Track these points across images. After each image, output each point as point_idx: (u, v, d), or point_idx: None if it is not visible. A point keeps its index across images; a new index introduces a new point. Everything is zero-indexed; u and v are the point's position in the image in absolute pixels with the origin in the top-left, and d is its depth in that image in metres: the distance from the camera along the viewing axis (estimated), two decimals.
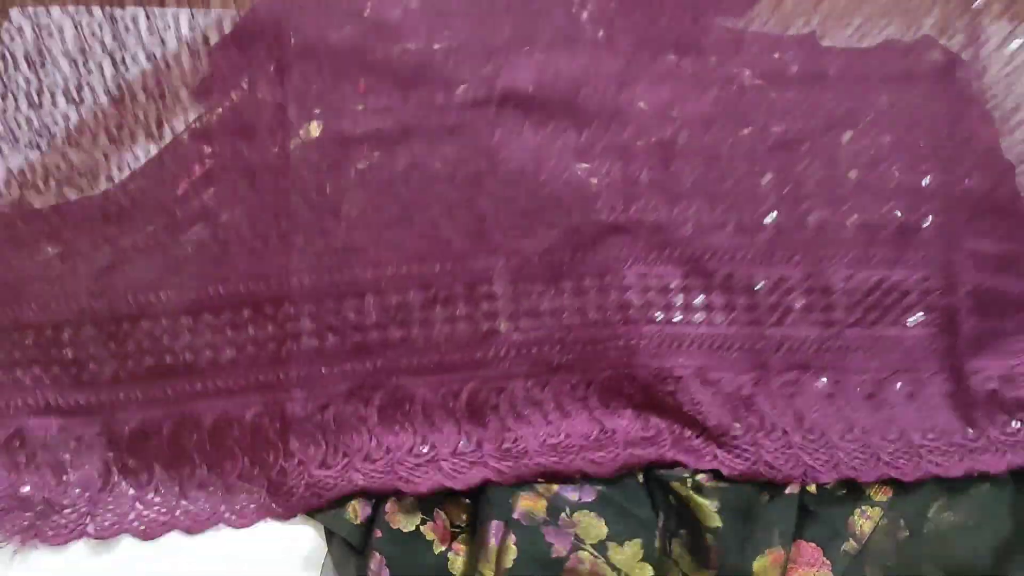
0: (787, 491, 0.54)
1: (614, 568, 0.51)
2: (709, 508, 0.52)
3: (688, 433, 0.55)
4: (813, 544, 0.53)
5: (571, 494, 0.53)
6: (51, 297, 0.58)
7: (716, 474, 0.54)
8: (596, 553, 0.51)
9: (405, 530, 0.52)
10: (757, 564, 0.52)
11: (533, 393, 0.56)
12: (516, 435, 0.55)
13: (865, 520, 0.53)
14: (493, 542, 0.51)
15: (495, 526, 0.52)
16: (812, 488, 0.54)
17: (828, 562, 0.52)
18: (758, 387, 0.57)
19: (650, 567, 0.51)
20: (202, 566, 0.53)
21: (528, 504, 0.52)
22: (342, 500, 0.53)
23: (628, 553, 0.52)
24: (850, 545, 0.53)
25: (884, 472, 0.54)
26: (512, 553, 0.51)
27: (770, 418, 0.56)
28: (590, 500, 0.53)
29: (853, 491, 0.55)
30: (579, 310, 0.57)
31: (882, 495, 0.54)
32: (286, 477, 0.54)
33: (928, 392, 0.57)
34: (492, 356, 0.57)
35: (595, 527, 0.52)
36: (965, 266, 0.62)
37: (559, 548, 0.52)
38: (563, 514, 0.53)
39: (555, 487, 0.53)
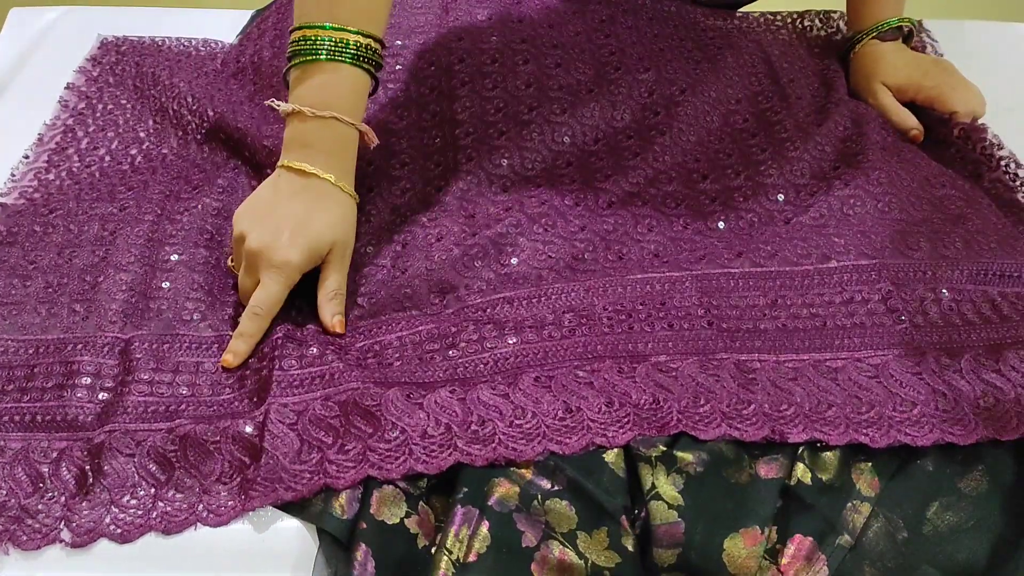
0: (770, 476, 0.54)
1: (582, 557, 0.51)
2: (672, 487, 0.52)
3: (652, 408, 0.56)
4: (810, 539, 0.52)
5: (543, 482, 0.53)
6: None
7: (687, 452, 0.54)
8: (566, 543, 0.51)
9: (389, 522, 0.52)
10: (730, 543, 0.51)
11: (499, 389, 0.57)
12: (484, 418, 0.55)
13: (856, 515, 0.53)
14: (466, 528, 0.51)
15: (468, 511, 0.51)
16: (807, 479, 0.54)
17: (823, 557, 0.51)
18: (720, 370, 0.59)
19: (617, 555, 0.51)
20: (194, 565, 0.53)
21: (502, 491, 0.52)
22: (327, 496, 0.53)
23: (595, 541, 0.51)
24: (844, 540, 0.52)
25: (853, 437, 0.54)
26: (485, 540, 0.50)
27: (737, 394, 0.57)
28: (561, 488, 0.53)
29: (844, 484, 0.54)
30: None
31: (870, 489, 0.54)
32: (260, 470, 0.53)
33: (895, 368, 0.59)
34: (462, 375, 0.59)
35: (566, 516, 0.52)
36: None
37: (530, 537, 0.51)
38: (535, 502, 0.52)
39: (528, 474, 0.53)
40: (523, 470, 0.53)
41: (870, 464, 0.55)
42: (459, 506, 0.51)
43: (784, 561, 0.51)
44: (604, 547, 0.51)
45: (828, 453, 0.55)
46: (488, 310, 0.63)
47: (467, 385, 0.58)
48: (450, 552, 0.50)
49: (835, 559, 0.51)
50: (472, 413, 0.55)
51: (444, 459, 0.53)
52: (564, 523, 0.52)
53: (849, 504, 0.53)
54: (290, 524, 0.54)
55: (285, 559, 0.53)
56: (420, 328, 0.63)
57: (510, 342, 0.61)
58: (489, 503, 0.52)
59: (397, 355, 0.61)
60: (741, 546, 0.51)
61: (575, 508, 0.52)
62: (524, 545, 0.51)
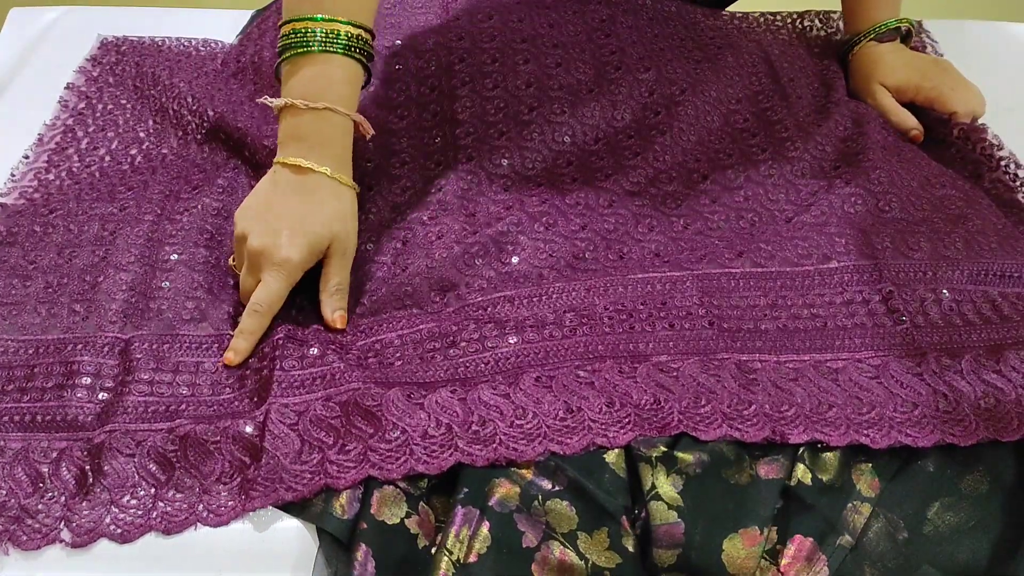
0: (770, 476, 0.54)
1: (582, 557, 0.51)
2: (671, 488, 0.52)
3: (653, 408, 0.56)
4: (810, 540, 0.52)
5: (544, 482, 0.53)
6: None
7: (687, 452, 0.54)
8: (566, 543, 0.51)
9: (389, 523, 0.52)
10: (729, 543, 0.51)
11: (500, 389, 0.57)
12: (485, 418, 0.55)
13: (857, 515, 0.53)
14: (466, 528, 0.51)
15: (469, 512, 0.51)
16: (807, 480, 0.54)
17: (824, 557, 0.51)
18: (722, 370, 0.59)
19: (618, 556, 0.51)
20: (194, 565, 0.53)
21: (503, 492, 0.52)
22: (328, 497, 0.53)
23: (596, 541, 0.51)
24: (845, 540, 0.52)
25: (854, 438, 0.54)
26: (485, 540, 0.50)
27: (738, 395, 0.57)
28: (562, 488, 0.53)
29: (845, 485, 0.54)
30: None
31: (871, 490, 0.54)
32: (261, 470, 0.53)
33: (896, 368, 0.59)
34: (463, 375, 0.59)
35: (566, 517, 0.52)
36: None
37: (530, 537, 0.51)
38: (535, 502, 0.52)
39: (528, 475, 0.53)
40: (524, 470, 0.53)
41: (870, 465, 0.55)
42: (459, 506, 0.51)
43: (784, 562, 0.51)
44: (605, 548, 0.51)
45: (828, 454, 0.55)
46: (489, 308, 0.63)
47: (468, 385, 0.58)
48: (450, 553, 0.50)
49: (836, 559, 0.51)
50: (473, 413, 0.55)
51: (445, 459, 0.53)
52: (565, 523, 0.52)
53: (849, 504, 0.53)
54: (290, 524, 0.54)
55: (285, 559, 0.53)
56: (421, 327, 0.63)
57: (511, 341, 0.61)
58: (490, 503, 0.52)
59: (398, 354, 0.61)
60: (740, 547, 0.51)
61: (576, 508, 0.52)
62: (525, 545, 0.51)
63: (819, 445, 0.55)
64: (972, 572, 0.52)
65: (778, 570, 0.51)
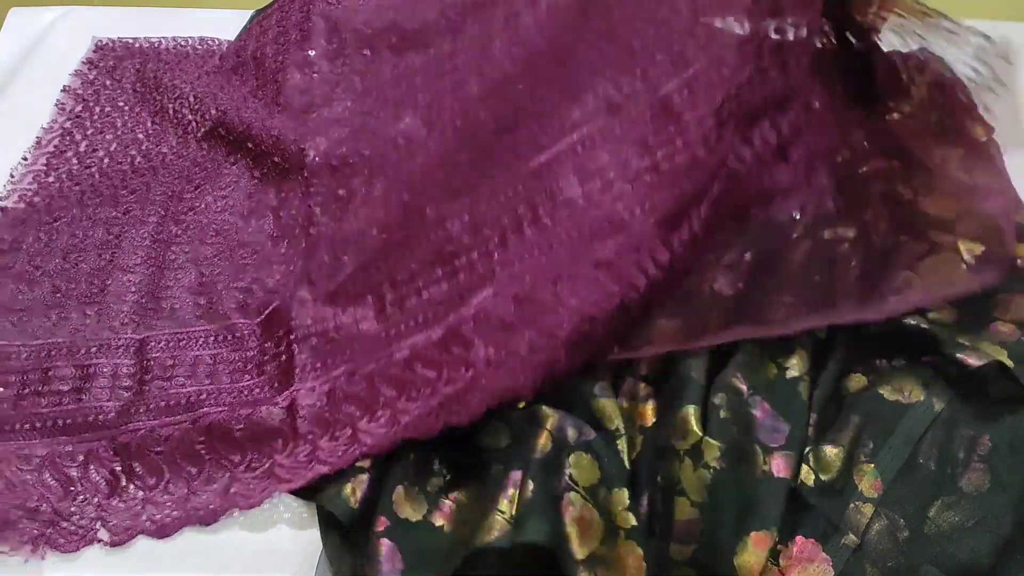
0: (778, 475, 0.54)
1: (603, 512, 0.51)
2: (696, 482, 0.53)
3: None
4: (812, 540, 0.52)
5: (570, 432, 0.54)
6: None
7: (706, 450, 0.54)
8: (587, 496, 0.52)
9: (412, 520, 0.53)
10: (741, 546, 0.51)
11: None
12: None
13: (860, 516, 0.53)
14: (514, 489, 0.51)
15: (517, 475, 0.52)
16: (809, 480, 0.54)
17: (828, 557, 0.51)
18: None
19: (633, 517, 0.51)
20: (194, 566, 0.53)
21: (541, 443, 0.53)
22: (340, 482, 0.53)
23: (615, 499, 0.52)
24: (850, 540, 0.52)
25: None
26: (530, 492, 0.51)
27: None
28: (588, 440, 0.54)
29: (847, 485, 0.54)
30: None
31: (872, 491, 0.54)
32: (295, 454, 0.55)
33: None
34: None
35: (590, 470, 0.53)
36: None
37: (558, 486, 0.52)
38: (562, 453, 0.53)
39: (558, 419, 0.54)
40: (551, 418, 0.54)
41: (872, 466, 0.55)
42: (510, 472, 0.52)
43: (786, 562, 0.52)
44: (623, 507, 0.52)
45: (832, 453, 0.55)
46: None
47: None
48: (503, 512, 0.51)
49: (840, 559, 0.51)
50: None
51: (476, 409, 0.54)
52: (586, 477, 0.53)
53: (852, 505, 0.53)
54: (292, 527, 0.54)
55: (287, 561, 0.53)
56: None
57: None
58: (535, 457, 0.53)
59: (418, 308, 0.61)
60: (751, 549, 0.51)
61: (599, 462, 0.53)
62: (556, 494, 0.52)
63: (822, 446, 0.55)
64: (973, 571, 0.52)
65: (779, 571, 0.51)
